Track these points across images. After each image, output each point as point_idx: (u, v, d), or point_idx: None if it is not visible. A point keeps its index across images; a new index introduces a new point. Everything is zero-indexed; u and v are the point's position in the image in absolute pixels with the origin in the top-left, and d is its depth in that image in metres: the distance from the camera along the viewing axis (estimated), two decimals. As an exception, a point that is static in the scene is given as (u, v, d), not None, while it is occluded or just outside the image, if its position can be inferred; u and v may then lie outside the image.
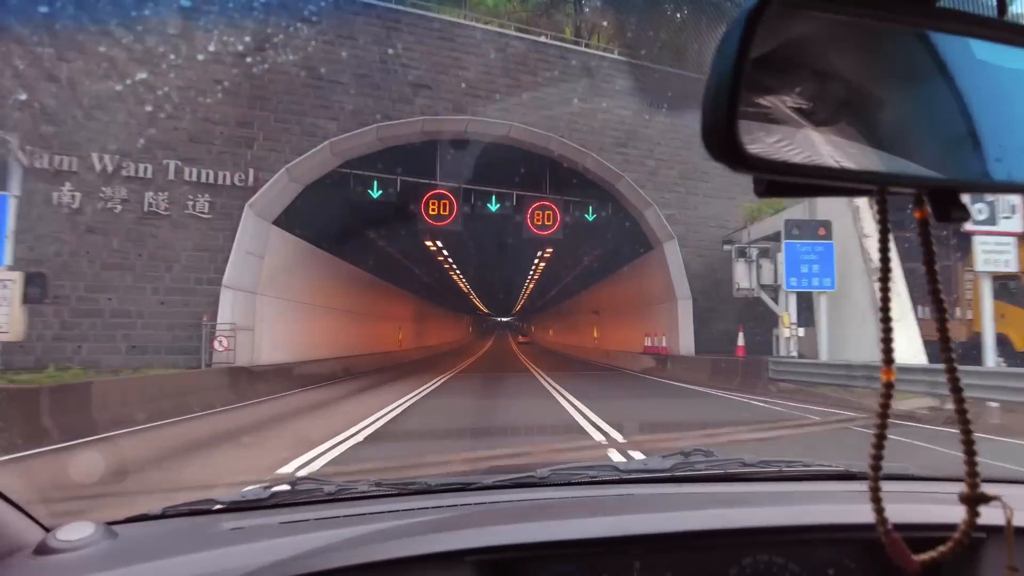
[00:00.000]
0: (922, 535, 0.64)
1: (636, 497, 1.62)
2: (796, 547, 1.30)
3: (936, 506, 1.36)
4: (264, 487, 1.64)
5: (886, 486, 0.63)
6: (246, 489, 1.62)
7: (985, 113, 0.60)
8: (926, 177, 0.59)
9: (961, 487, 0.59)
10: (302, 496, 1.60)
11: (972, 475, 0.57)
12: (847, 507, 1.40)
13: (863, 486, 1.62)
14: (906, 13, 0.58)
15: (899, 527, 0.63)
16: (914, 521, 1.23)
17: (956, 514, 0.61)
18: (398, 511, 1.48)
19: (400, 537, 1.25)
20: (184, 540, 1.37)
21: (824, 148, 0.58)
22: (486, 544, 1.20)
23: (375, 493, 1.63)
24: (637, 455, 6.58)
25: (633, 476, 1.73)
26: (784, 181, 0.59)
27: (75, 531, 1.26)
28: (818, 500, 1.55)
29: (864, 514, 1.29)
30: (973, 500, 0.58)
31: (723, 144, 0.53)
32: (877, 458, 0.61)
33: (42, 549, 1.22)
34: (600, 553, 1.26)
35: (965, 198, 0.60)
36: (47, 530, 1.28)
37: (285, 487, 1.65)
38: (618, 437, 8.39)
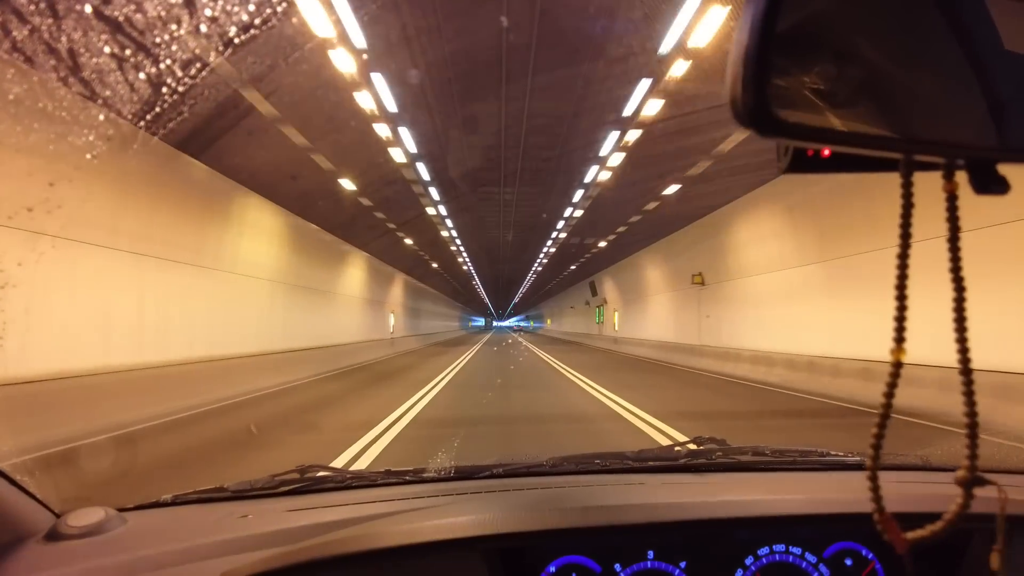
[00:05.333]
0: (921, 521, 0.63)
1: (648, 486, 1.60)
2: (812, 536, 1.28)
3: (934, 493, 1.36)
4: (273, 475, 1.63)
5: (890, 475, 0.62)
6: (255, 478, 1.61)
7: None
8: (964, 146, 0.56)
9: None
10: (311, 484, 1.59)
11: (971, 458, 0.58)
12: (864, 496, 1.37)
13: (882, 475, 1.59)
14: None
15: (899, 514, 0.62)
16: (911, 509, 1.22)
17: (952, 500, 0.61)
18: (407, 498, 1.47)
19: (410, 524, 1.23)
20: (193, 527, 1.36)
21: (853, 115, 0.56)
22: (496, 531, 1.18)
23: (384, 481, 1.62)
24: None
25: (645, 465, 1.71)
26: (811, 154, 0.58)
27: (85, 517, 1.26)
28: (835, 489, 1.52)
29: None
30: (969, 482, 0.58)
31: (751, 108, 0.52)
32: (879, 437, 0.60)
33: (53, 534, 1.22)
34: (612, 541, 1.24)
35: (1005, 169, 0.57)
36: (57, 515, 1.28)
37: (294, 475, 1.63)
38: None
